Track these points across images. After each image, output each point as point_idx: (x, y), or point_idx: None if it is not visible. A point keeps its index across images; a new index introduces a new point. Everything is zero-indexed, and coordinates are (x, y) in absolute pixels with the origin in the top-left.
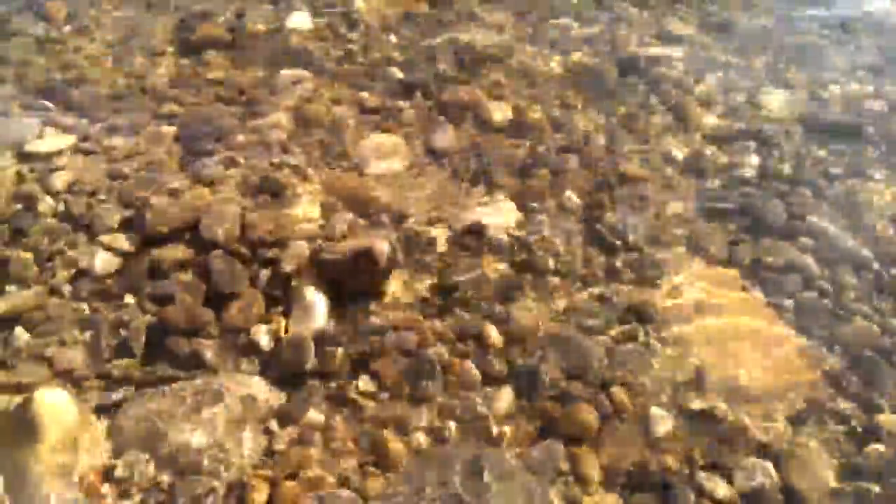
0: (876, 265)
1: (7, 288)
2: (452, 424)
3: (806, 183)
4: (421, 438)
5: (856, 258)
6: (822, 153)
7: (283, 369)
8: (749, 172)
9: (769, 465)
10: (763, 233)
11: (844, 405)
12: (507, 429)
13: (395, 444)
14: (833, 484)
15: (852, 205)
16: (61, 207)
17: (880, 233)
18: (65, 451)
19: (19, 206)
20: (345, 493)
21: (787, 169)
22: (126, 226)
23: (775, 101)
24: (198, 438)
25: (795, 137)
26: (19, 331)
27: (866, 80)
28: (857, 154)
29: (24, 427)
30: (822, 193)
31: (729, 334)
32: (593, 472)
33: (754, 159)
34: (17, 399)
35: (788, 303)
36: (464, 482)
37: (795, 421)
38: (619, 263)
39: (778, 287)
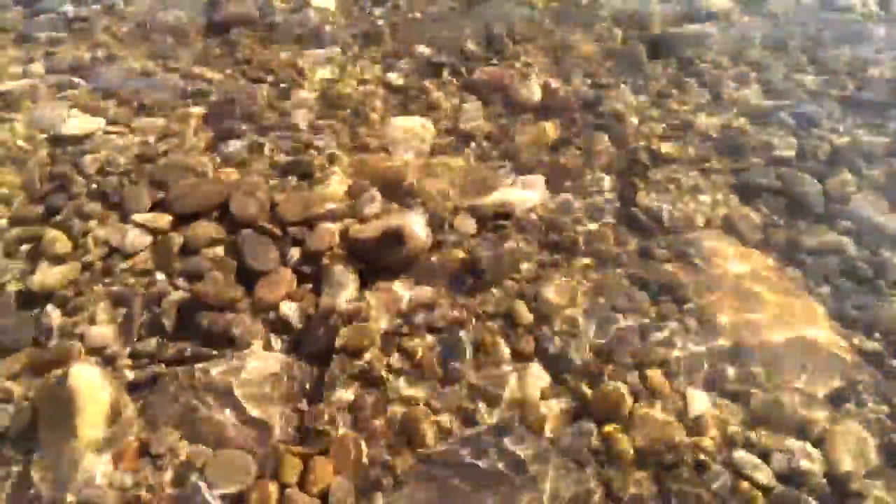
0: None
1: (40, 265)
2: (483, 405)
3: (845, 163)
4: (451, 418)
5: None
6: (861, 132)
7: (313, 346)
8: (786, 152)
9: (808, 445)
10: (800, 214)
11: (885, 386)
12: (539, 409)
13: (425, 423)
14: (874, 464)
15: (892, 185)
16: (93, 187)
17: None
18: (100, 427)
19: (53, 186)
20: (375, 470)
21: (825, 148)
22: (157, 205)
23: (812, 79)
24: (229, 415)
25: (834, 116)
26: (51, 308)
27: None
28: None
29: (60, 404)
30: (861, 174)
31: (765, 315)
32: (627, 452)
33: (792, 139)
34: (52, 377)
35: (826, 284)
36: (496, 462)
37: (835, 401)
38: (652, 243)
39: (815, 268)
